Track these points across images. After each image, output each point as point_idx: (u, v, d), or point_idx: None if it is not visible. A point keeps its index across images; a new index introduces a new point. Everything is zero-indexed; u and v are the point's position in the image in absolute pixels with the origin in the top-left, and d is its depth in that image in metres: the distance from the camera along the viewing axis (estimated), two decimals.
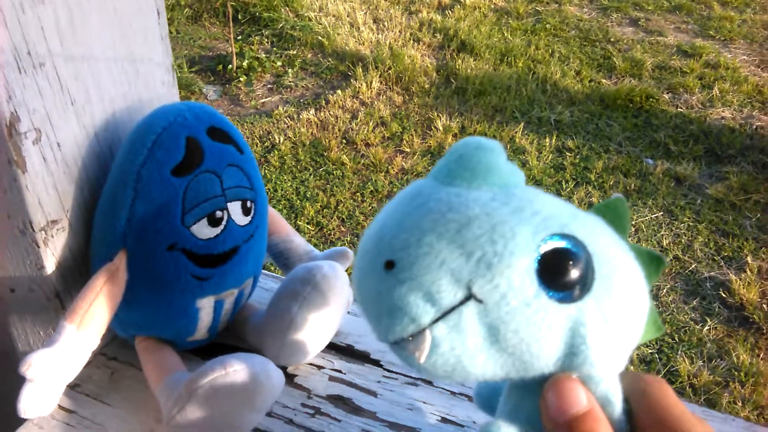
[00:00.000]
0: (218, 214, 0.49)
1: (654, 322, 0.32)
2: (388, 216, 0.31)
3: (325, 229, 2.18)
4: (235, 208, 0.50)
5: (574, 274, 0.28)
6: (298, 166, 2.51)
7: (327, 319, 0.54)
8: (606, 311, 0.28)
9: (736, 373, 1.73)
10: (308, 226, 2.19)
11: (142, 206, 0.48)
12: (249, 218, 0.52)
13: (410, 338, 0.28)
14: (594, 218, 0.31)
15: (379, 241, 0.30)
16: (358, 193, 2.37)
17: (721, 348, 1.81)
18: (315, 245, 0.55)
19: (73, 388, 0.54)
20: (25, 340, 0.57)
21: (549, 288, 0.28)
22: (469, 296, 0.28)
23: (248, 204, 0.51)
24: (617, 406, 0.30)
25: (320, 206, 2.29)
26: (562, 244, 0.28)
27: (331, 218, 2.24)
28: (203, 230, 0.49)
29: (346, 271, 0.56)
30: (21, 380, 0.45)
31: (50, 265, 0.51)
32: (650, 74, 3.26)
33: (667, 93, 3.10)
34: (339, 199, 2.33)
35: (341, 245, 2.10)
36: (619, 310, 0.29)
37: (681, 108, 2.98)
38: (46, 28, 0.46)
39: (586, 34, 3.65)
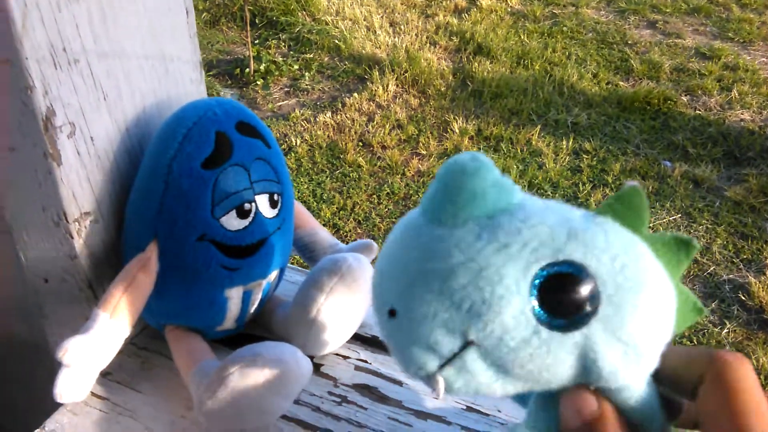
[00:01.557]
0: (246, 206, 0.50)
1: (691, 307, 0.31)
2: (386, 257, 0.31)
3: (341, 231, 2.20)
4: (262, 200, 0.51)
5: (574, 300, 0.27)
6: (315, 169, 2.52)
7: (352, 310, 0.55)
8: (617, 331, 0.28)
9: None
10: (325, 228, 2.20)
11: (172, 198, 0.49)
12: (276, 211, 0.53)
13: (425, 378, 0.30)
14: (599, 225, 0.29)
15: (381, 284, 0.31)
16: (374, 195, 2.38)
17: (740, 351, 1.80)
18: None
19: (105, 376, 0.55)
20: (56, 330, 0.58)
21: (551, 317, 0.27)
22: (468, 343, 0.28)
23: (275, 197, 0.53)
24: (648, 409, 0.29)
25: (336, 208, 2.30)
26: (559, 271, 0.28)
27: (348, 220, 2.25)
28: (232, 222, 0.50)
29: (371, 263, 0.57)
30: (52, 369, 0.46)
31: (83, 255, 0.52)
32: (668, 76, 3.24)
33: (686, 95, 3.09)
34: (355, 201, 2.34)
35: None
36: (632, 326, 0.28)
37: (699, 110, 2.96)
38: (81, 25, 0.47)
39: (603, 37, 3.65)
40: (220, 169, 0.50)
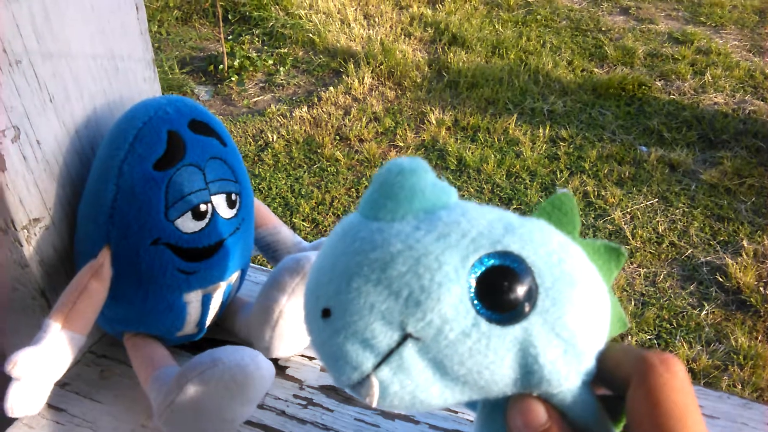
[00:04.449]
0: (202, 207, 0.49)
1: (618, 318, 0.31)
2: (324, 257, 0.30)
3: (320, 226, 2.18)
4: (219, 201, 0.50)
5: (513, 292, 0.27)
6: (292, 164, 2.50)
7: None
8: (556, 325, 0.27)
9: (734, 356, 1.73)
10: (304, 223, 2.18)
11: (124, 202, 0.48)
12: (234, 211, 0.51)
13: (359, 384, 0.28)
14: (534, 223, 0.29)
15: (316, 286, 0.29)
16: (353, 189, 2.37)
17: (719, 332, 1.81)
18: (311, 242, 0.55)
19: (62, 386, 0.53)
20: (12, 340, 0.57)
21: (489, 311, 0.27)
22: (406, 336, 0.27)
23: (233, 197, 0.51)
24: (590, 413, 0.29)
25: (315, 203, 2.29)
26: (497, 263, 0.27)
27: (327, 215, 2.23)
28: (188, 224, 0.49)
29: None
30: (9, 380, 0.44)
31: (34, 263, 0.51)
32: (642, 62, 3.25)
33: (660, 80, 3.10)
34: (334, 195, 2.33)
35: None
36: (570, 320, 0.27)
37: (673, 95, 2.97)
38: (21, 25, 0.45)
39: (577, 24, 3.65)
40: (173, 169, 0.48)
